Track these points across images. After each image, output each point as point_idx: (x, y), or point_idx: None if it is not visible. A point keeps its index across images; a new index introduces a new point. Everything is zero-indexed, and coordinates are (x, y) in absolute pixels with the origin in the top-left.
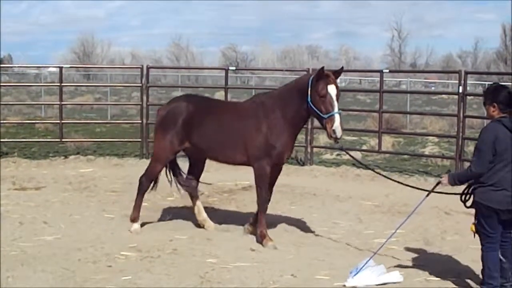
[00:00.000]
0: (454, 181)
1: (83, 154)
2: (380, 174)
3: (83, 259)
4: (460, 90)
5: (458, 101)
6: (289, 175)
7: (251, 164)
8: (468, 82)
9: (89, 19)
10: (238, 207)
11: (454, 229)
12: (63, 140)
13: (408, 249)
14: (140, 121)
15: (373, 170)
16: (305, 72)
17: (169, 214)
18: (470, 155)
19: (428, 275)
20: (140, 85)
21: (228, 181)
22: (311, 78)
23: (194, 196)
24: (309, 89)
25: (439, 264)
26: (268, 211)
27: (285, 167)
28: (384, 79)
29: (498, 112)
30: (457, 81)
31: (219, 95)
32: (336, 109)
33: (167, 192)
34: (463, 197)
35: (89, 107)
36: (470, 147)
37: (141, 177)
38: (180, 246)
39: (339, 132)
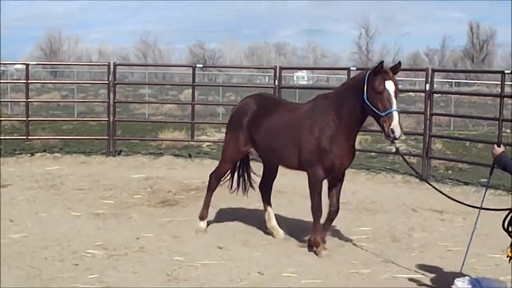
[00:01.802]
0: (500, 164)
1: (49, 151)
2: (433, 187)
3: (50, 257)
4: (427, 88)
5: (425, 99)
6: (257, 173)
7: (304, 169)
8: (435, 79)
9: (57, 15)
10: None
11: (421, 226)
12: (29, 137)
13: (375, 246)
14: (107, 119)
15: (426, 181)
16: (272, 70)
17: (136, 212)
18: (438, 153)
19: (396, 272)
20: (107, 82)
21: (195, 179)
22: (367, 74)
23: (265, 201)
24: (366, 85)
25: (406, 261)
26: (237, 208)
27: (254, 165)
28: (352, 76)
29: None
30: (424, 79)
31: (187, 92)
32: (394, 107)
33: (134, 190)
34: (507, 222)
35: (56, 104)
36: (437, 145)
37: (210, 175)
38: (147, 244)
39: (398, 132)
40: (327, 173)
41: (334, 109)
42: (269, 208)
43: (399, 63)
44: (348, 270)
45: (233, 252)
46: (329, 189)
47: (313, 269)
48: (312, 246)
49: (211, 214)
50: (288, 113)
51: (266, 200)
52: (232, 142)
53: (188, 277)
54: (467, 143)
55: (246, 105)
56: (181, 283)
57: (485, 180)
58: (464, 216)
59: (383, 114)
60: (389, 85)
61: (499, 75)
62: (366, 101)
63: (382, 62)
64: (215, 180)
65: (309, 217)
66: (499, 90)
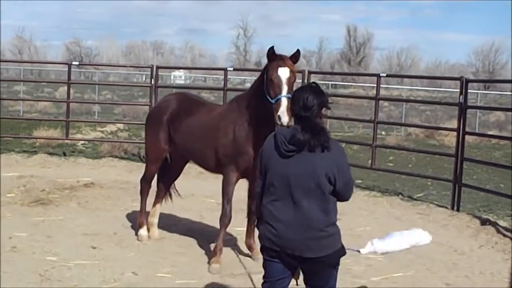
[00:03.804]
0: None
1: None
2: None
3: None
4: None
5: None
6: (131, 172)
7: (220, 171)
8: (313, 81)
9: None
10: (79, 203)
11: None
12: None
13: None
14: None
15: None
16: (149, 69)
17: (9, 210)
18: None
19: None
20: None
21: (69, 178)
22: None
23: (158, 198)
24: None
25: None
26: (111, 208)
27: (128, 163)
28: (229, 77)
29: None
30: (300, 81)
31: (62, 90)
32: (284, 93)
33: (7, 188)
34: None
35: None
36: None
37: (140, 180)
38: (19, 243)
39: (284, 119)
40: (242, 175)
41: (247, 109)
42: (158, 205)
43: (298, 51)
44: (224, 271)
45: (107, 252)
46: (250, 190)
47: (188, 270)
48: (215, 254)
49: (84, 214)
50: (206, 114)
51: (160, 197)
52: (153, 141)
53: (61, 277)
54: (343, 145)
55: (166, 102)
56: (54, 284)
57: (360, 181)
58: (339, 216)
59: (273, 101)
60: (282, 72)
61: (375, 78)
62: (265, 91)
63: (272, 47)
64: (146, 184)
65: (184, 215)
66: (375, 92)
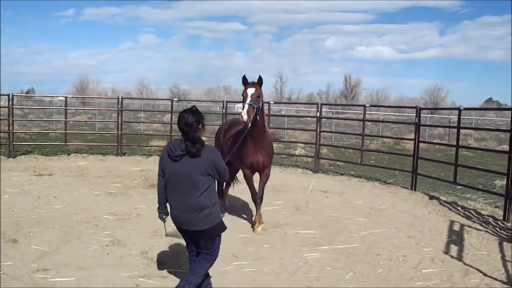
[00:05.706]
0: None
1: (79, 153)
2: None
3: (79, 220)
4: (318, 115)
5: (316, 122)
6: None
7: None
8: (323, 110)
9: (85, 65)
10: None
11: (314, 200)
12: (67, 144)
13: (284, 214)
14: (116, 132)
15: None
16: (221, 103)
17: (135, 191)
18: (324, 155)
19: (298, 229)
20: (117, 109)
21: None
22: None
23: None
24: None
25: (305, 223)
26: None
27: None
28: (272, 107)
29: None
30: (316, 109)
31: (167, 116)
32: (247, 101)
33: (133, 177)
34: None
35: (84, 123)
36: (324, 150)
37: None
38: (141, 211)
39: (244, 117)
40: (253, 171)
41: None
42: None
43: (259, 77)
44: (266, 229)
45: None
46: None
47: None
48: (257, 221)
49: None
50: (234, 131)
51: (225, 191)
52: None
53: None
54: (342, 149)
55: (224, 124)
56: (163, 237)
57: (353, 172)
58: (340, 194)
59: (241, 111)
60: (249, 90)
61: (363, 107)
62: None
63: (244, 76)
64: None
65: (240, 195)
66: (362, 116)
